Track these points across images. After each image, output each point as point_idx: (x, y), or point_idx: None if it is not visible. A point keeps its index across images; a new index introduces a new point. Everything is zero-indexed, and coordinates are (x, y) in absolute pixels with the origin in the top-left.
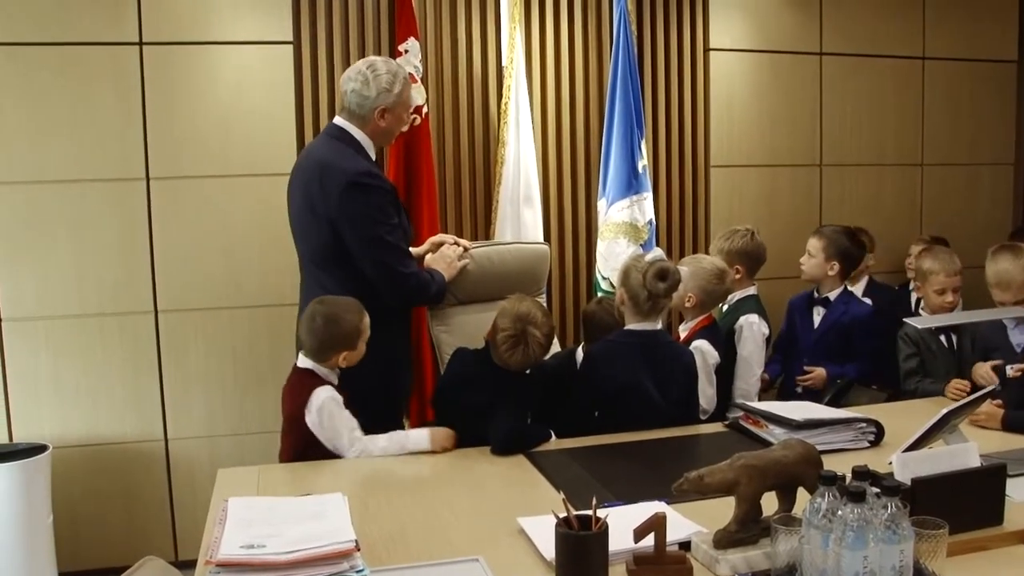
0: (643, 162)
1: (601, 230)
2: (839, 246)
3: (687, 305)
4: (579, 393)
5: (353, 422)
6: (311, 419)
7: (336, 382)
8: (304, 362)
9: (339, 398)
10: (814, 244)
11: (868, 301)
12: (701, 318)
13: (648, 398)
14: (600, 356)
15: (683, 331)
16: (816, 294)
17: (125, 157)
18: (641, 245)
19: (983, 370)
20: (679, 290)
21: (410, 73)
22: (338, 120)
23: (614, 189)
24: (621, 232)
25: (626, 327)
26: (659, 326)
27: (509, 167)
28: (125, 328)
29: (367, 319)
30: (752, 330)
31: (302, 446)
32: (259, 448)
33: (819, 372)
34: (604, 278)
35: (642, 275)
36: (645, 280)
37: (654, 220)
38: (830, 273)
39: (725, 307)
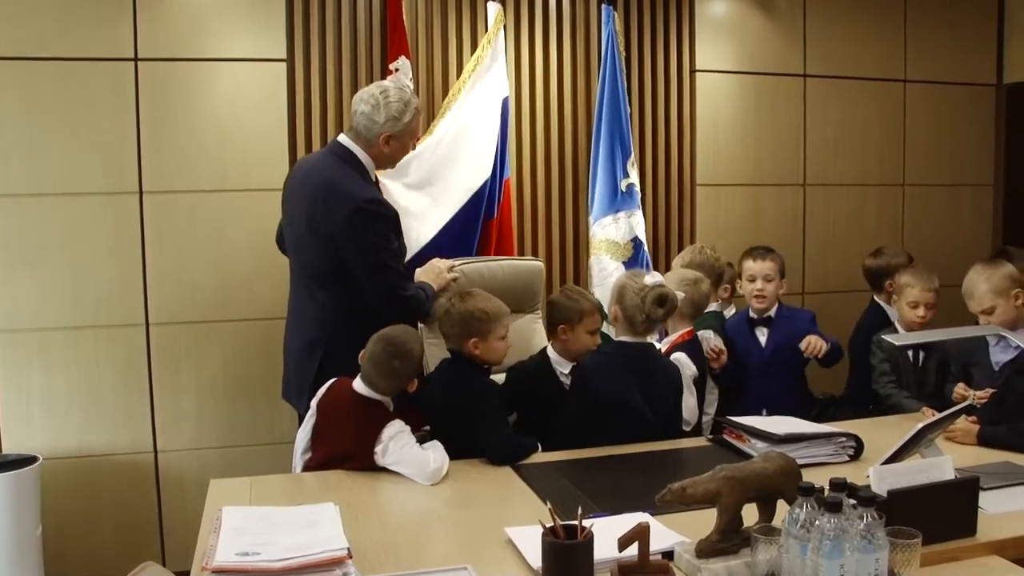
0: (628, 181)
1: (590, 247)
2: None
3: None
4: (572, 405)
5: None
6: (379, 448)
7: (392, 407)
8: (367, 391)
9: (407, 428)
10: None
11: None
12: (681, 332)
13: (638, 412)
14: (593, 369)
15: (664, 345)
16: (753, 315)
17: (119, 171)
18: (624, 263)
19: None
20: None
21: None
22: (343, 139)
23: (598, 207)
24: (603, 249)
25: (619, 339)
26: (648, 339)
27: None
28: (116, 340)
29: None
30: (707, 344)
31: (338, 461)
32: (248, 460)
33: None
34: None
35: (641, 299)
36: (644, 304)
37: (641, 238)
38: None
39: None
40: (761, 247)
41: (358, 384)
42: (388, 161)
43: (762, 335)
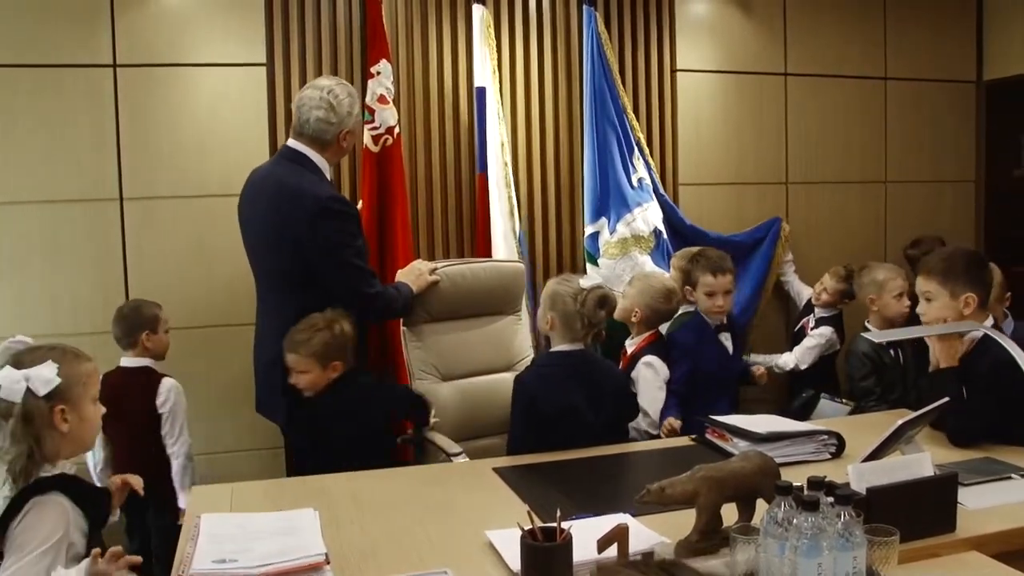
0: (638, 175)
1: (604, 248)
2: None
3: (633, 319)
4: (516, 421)
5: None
6: (160, 400)
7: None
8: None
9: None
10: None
11: None
12: (648, 334)
13: (583, 419)
14: (534, 383)
15: (630, 346)
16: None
17: (99, 178)
18: (649, 254)
19: None
20: (626, 303)
21: (382, 94)
22: (294, 144)
23: (616, 207)
24: (632, 246)
25: (555, 349)
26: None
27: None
28: (98, 348)
29: None
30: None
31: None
32: (230, 467)
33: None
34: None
35: (579, 303)
36: (583, 308)
37: (660, 227)
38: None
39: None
40: (716, 259)
41: (124, 361)
42: (341, 155)
43: (727, 340)
